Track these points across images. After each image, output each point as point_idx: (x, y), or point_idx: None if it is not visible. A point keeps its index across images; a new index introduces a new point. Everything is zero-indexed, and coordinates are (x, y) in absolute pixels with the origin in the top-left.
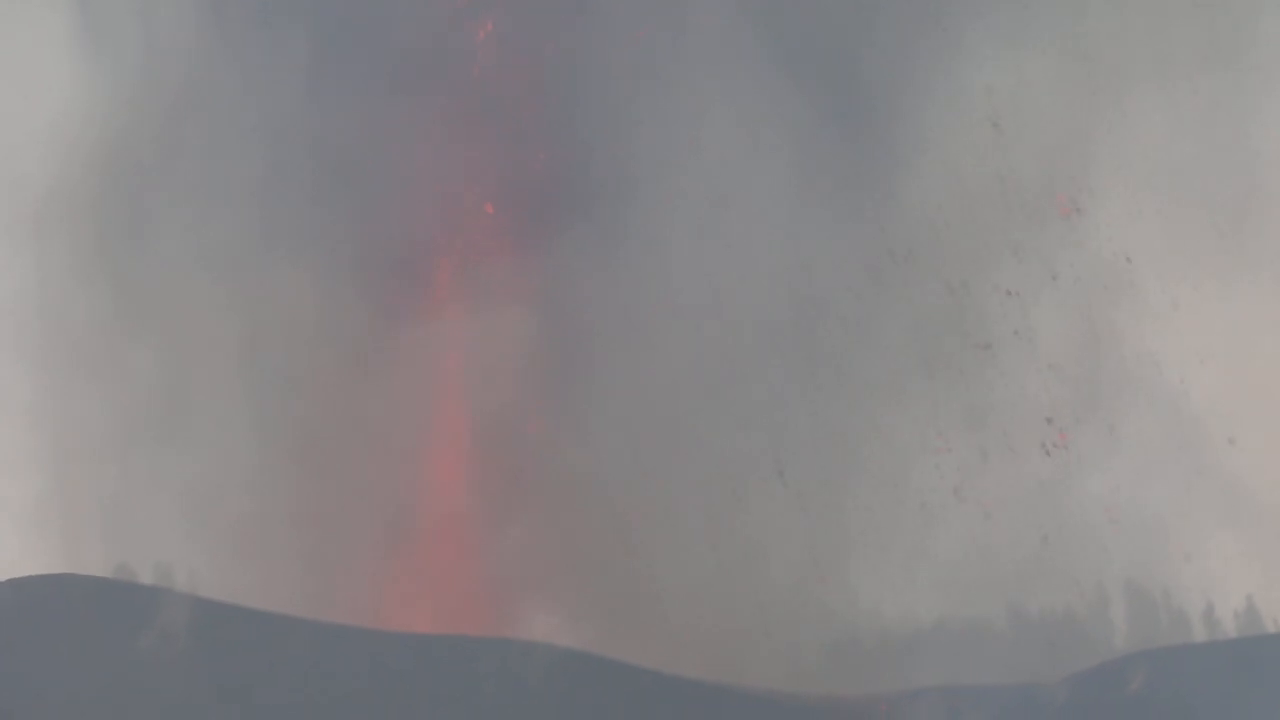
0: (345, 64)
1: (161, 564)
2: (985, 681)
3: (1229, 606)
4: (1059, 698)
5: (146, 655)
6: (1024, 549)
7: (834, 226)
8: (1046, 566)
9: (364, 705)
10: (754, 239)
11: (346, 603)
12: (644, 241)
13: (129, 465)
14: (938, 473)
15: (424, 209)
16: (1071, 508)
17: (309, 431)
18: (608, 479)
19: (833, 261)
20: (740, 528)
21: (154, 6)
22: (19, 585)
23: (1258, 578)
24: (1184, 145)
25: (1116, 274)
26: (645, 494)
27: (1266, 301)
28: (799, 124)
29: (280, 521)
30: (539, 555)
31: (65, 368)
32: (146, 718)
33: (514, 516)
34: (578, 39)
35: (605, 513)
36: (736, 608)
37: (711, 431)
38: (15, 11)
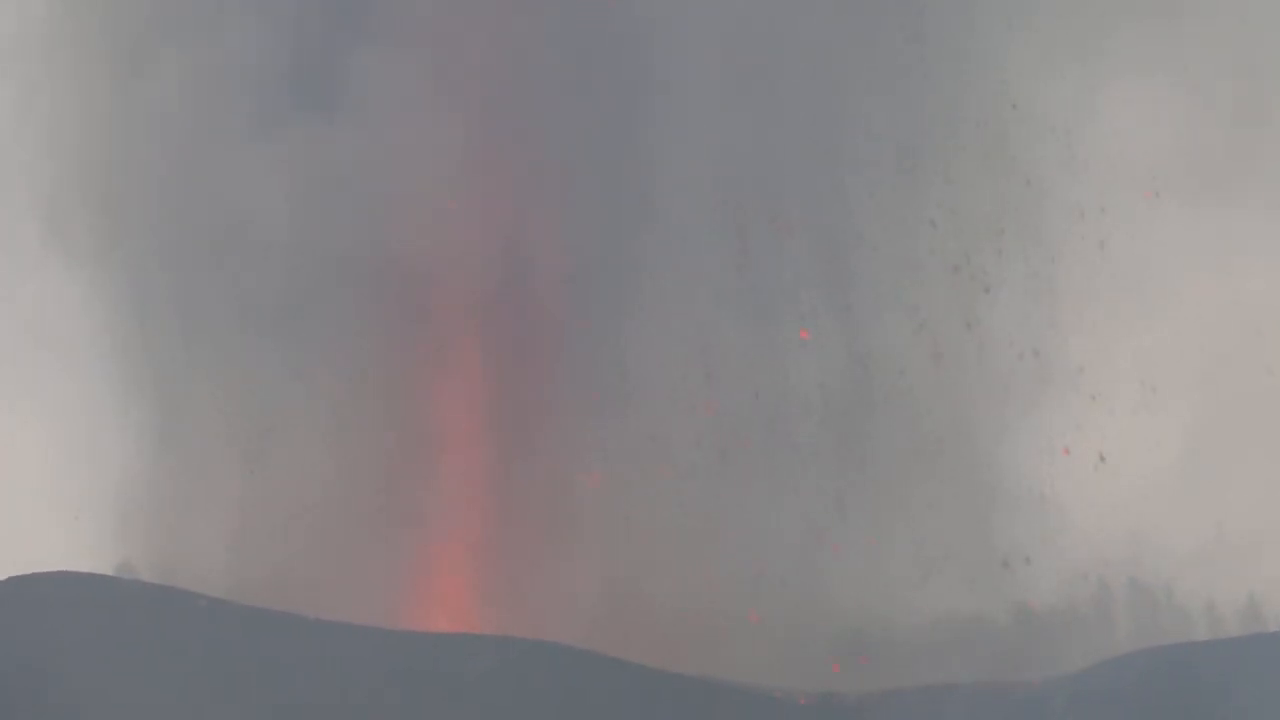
0: None
1: (163, 561)
2: (983, 679)
3: (1231, 604)
4: (1059, 695)
5: (148, 655)
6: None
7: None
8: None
9: (363, 703)
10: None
11: (348, 601)
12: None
13: (133, 458)
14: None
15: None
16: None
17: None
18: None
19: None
20: (734, 514)
21: None
22: (20, 583)
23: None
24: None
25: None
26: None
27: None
28: None
29: (282, 515)
30: (536, 549)
31: (67, 361)
32: (147, 715)
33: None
34: None
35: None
36: (732, 602)
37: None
38: None
